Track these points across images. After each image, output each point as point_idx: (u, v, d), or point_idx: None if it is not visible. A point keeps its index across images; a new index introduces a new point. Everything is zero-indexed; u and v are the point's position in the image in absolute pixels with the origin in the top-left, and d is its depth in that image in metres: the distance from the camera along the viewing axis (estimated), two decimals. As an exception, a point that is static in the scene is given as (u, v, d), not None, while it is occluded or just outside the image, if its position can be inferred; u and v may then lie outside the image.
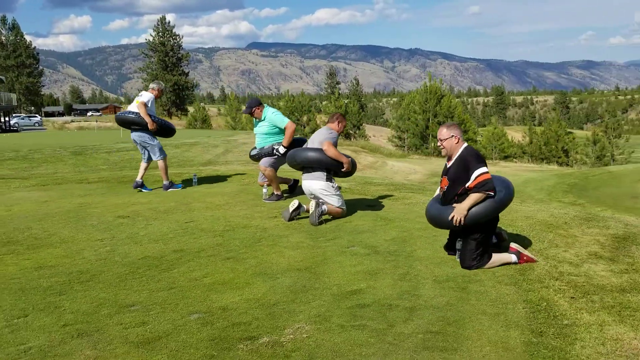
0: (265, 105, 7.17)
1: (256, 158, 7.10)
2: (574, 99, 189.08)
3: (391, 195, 7.14)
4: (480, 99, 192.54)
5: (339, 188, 6.02)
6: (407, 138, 33.30)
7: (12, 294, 3.84)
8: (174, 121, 55.00)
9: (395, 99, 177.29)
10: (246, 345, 2.97)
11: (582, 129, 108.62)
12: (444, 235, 4.87)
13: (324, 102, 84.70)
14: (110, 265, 4.44)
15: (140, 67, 75.66)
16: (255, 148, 7.23)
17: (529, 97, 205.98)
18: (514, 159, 37.08)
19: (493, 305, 3.43)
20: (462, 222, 3.95)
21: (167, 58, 70.16)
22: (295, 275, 4.07)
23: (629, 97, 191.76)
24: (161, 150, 8.05)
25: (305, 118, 37.27)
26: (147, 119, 7.71)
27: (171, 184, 8.08)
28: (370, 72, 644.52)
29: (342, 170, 5.84)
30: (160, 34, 70.49)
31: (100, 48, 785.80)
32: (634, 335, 2.95)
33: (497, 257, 4.19)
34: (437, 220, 4.21)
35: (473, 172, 4.01)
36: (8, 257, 4.75)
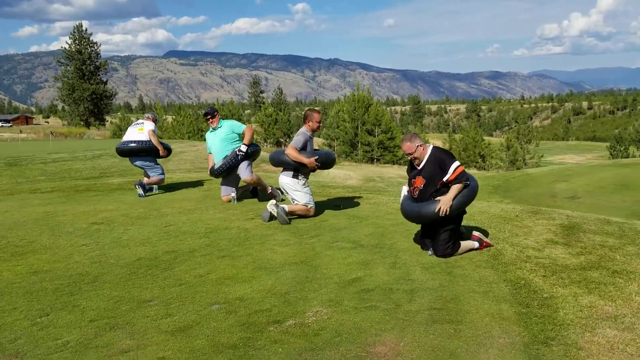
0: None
1: (223, 170, 7.21)
2: (483, 107, 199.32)
3: (354, 197, 7.58)
4: (398, 108, 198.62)
5: (308, 186, 6.32)
6: (337, 145, 34.12)
7: (22, 297, 3.91)
8: (93, 131, 53.07)
9: (317, 108, 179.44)
10: (275, 327, 3.27)
11: (491, 135, 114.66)
12: (416, 228, 5.36)
13: (246, 111, 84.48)
14: (108, 268, 4.56)
15: (55, 75, 72.39)
16: (214, 165, 7.34)
17: (442, 105, 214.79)
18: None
19: (479, 285, 3.92)
20: (448, 212, 4.43)
21: (84, 66, 67.57)
22: (294, 268, 4.39)
23: (533, 105, 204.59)
24: (162, 171, 8.42)
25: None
26: (160, 147, 8.17)
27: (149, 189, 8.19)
28: (292, 82, 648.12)
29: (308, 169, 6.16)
30: (77, 41, 67.82)
31: (8, 56, 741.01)
32: (604, 303, 3.51)
33: (464, 244, 4.70)
34: (420, 215, 4.61)
35: (450, 167, 4.48)
36: (-5, 264, 4.74)
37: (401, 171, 27.46)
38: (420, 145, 4.64)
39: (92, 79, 69.44)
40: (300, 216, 6.20)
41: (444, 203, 4.43)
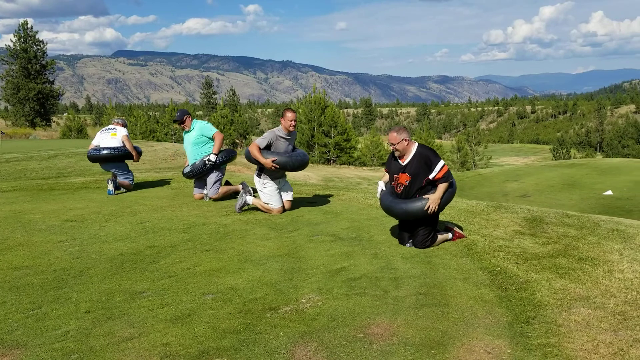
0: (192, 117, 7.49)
1: (190, 175, 7.27)
2: (432, 110, 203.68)
3: (324, 194, 7.74)
4: (351, 111, 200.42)
5: (271, 186, 6.37)
6: (293, 147, 34.34)
7: (8, 291, 3.88)
8: (39, 132, 51.29)
9: (270, 110, 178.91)
10: (272, 314, 3.39)
11: (441, 138, 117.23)
12: (390, 222, 5.58)
13: (199, 112, 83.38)
14: (91, 262, 4.56)
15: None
16: (188, 165, 7.39)
17: (393, 109, 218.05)
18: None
19: (458, 272, 4.14)
20: (436, 209, 4.63)
21: (30, 65, 65.20)
22: (280, 260, 4.51)
23: (479, 109, 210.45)
24: (132, 177, 8.47)
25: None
26: (134, 153, 8.18)
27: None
28: (244, 83, 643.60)
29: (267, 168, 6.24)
30: (22, 39, 65.40)
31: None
32: (575, 286, 3.79)
33: (440, 237, 4.93)
34: (407, 212, 4.70)
35: (435, 166, 4.65)
36: (-29, 261, 4.65)
37: (358, 172, 27.86)
38: (405, 140, 4.74)
39: (38, 78, 67.04)
40: (265, 212, 6.34)
41: (433, 201, 4.61)
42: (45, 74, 68.54)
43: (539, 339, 3.00)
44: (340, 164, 31.69)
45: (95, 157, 8.06)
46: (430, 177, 4.68)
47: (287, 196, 6.48)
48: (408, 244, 4.87)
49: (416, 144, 4.86)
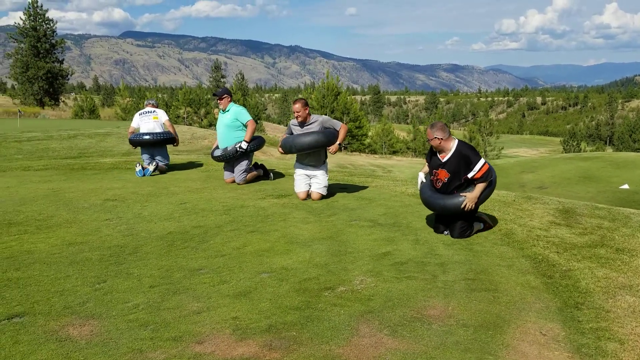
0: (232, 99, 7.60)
1: (221, 159, 7.42)
2: (442, 99, 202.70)
3: (353, 181, 7.87)
4: (358, 97, 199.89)
5: (297, 174, 6.55)
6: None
7: (69, 266, 4.04)
8: (47, 111, 51.51)
9: (277, 95, 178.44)
10: (329, 293, 3.54)
11: (449, 127, 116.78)
12: (424, 210, 5.70)
13: (206, 97, 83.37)
14: (142, 240, 4.72)
15: (8, 52, 69.62)
16: (217, 148, 7.54)
17: (402, 96, 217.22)
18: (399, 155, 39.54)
19: (501, 259, 4.28)
20: (472, 208, 4.73)
21: (40, 44, 65.32)
22: (325, 243, 4.65)
23: (489, 99, 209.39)
24: (169, 160, 8.84)
25: (202, 111, 36.98)
26: (177, 137, 8.60)
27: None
28: (252, 67, 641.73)
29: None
30: (32, 17, 65.44)
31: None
32: (617, 275, 3.92)
33: (475, 226, 5.05)
34: (445, 208, 4.80)
35: (475, 164, 4.70)
36: (25, 236, 4.83)
37: (370, 159, 27.96)
38: (438, 139, 4.76)
39: (48, 57, 67.17)
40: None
41: (470, 200, 4.69)
42: (55, 53, 68.57)
43: (590, 324, 3.14)
44: (352, 151, 31.78)
45: (142, 141, 8.21)
46: (469, 175, 4.72)
47: (315, 186, 6.45)
48: (445, 232, 4.99)
49: (456, 140, 4.87)
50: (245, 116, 7.41)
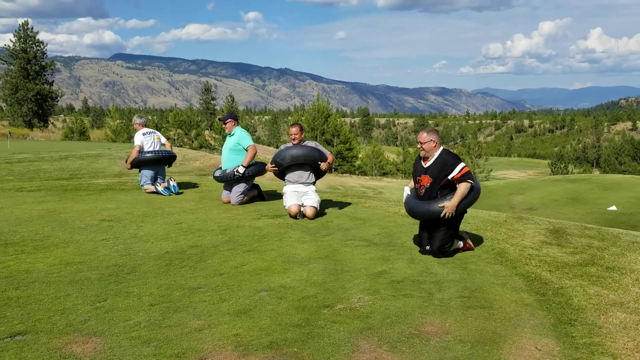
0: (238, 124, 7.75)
1: (220, 180, 7.59)
2: (430, 122, 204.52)
3: (346, 201, 7.95)
4: (348, 120, 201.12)
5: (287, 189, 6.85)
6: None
7: (69, 285, 4.07)
8: (36, 133, 51.35)
9: (267, 117, 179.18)
10: (328, 311, 3.60)
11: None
12: (417, 230, 5.77)
13: (195, 119, 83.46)
14: (140, 260, 4.75)
15: (-2, 74, 69.52)
16: (220, 168, 7.69)
17: (391, 119, 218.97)
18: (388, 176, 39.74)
19: (495, 278, 4.36)
20: (453, 214, 4.78)
21: (30, 66, 65.38)
22: (321, 262, 4.71)
23: (477, 121, 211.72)
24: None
25: (193, 133, 37.04)
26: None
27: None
28: (241, 90, 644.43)
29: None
30: (22, 39, 65.57)
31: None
32: (608, 292, 4.02)
33: (454, 243, 5.01)
34: (429, 212, 4.86)
35: (456, 167, 4.81)
36: (23, 256, 4.85)
37: (361, 181, 28.12)
38: (433, 141, 4.93)
39: (37, 79, 67.13)
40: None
41: (448, 208, 4.73)
42: (45, 75, 68.62)
43: (584, 339, 3.22)
44: (342, 173, 31.93)
45: (165, 158, 8.66)
46: (450, 177, 4.81)
47: (308, 202, 6.58)
48: (427, 247, 4.97)
49: (441, 148, 5.03)
50: (247, 141, 7.56)
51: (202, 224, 6.21)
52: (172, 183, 8.47)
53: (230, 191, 7.56)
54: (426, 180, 4.97)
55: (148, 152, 8.50)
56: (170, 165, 8.93)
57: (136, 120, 8.86)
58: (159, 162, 8.62)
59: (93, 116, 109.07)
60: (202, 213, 6.85)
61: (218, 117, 8.23)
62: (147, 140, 8.56)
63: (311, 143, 6.87)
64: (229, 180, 7.43)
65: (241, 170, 7.34)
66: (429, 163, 4.97)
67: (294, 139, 6.71)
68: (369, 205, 7.61)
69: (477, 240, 5.55)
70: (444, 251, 4.91)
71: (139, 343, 3.08)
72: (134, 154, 8.39)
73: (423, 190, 5.00)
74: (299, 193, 6.67)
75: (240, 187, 7.44)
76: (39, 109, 67.57)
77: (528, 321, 3.48)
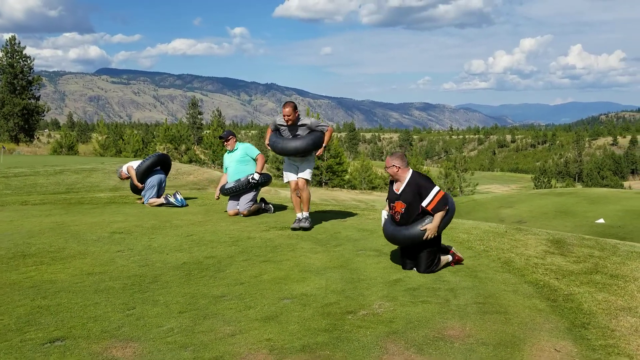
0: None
1: (233, 191, 7.70)
2: (415, 137, 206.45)
3: (349, 213, 8.12)
4: (334, 135, 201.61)
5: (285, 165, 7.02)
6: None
7: (95, 294, 4.17)
8: (22, 147, 51.00)
9: (254, 132, 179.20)
10: (352, 316, 3.74)
11: (422, 164, 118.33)
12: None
13: (187, 132, 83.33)
14: (160, 270, 4.86)
15: (-18, 89, 68.99)
16: (228, 182, 7.85)
17: (376, 134, 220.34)
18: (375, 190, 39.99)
19: (506, 285, 4.54)
20: (434, 235, 4.79)
21: (16, 80, 65.07)
22: (337, 271, 4.86)
23: (461, 136, 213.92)
24: None
25: (183, 147, 37.06)
26: None
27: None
28: (228, 104, 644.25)
29: None
30: (9, 54, 65.30)
31: None
32: (615, 298, 4.22)
33: (442, 259, 5.01)
34: (411, 238, 4.81)
35: (429, 193, 4.78)
36: (42, 267, 4.93)
37: (352, 195, 28.33)
38: (395, 167, 4.86)
39: (24, 94, 66.80)
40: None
41: (430, 231, 4.74)
42: (31, 90, 68.24)
43: (599, 341, 3.40)
44: (332, 187, 32.11)
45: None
46: (424, 204, 4.76)
47: (301, 174, 6.74)
48: (413, 268, 4.93)
49: (410, 171, 4.94)
50: (255, 151, 7.89)
51: (213, 235, 6.32)
52: (178, 197, 8.61)
53: (238, 201, 7.70)
54: (400, 206, 4.89)
55: (143, 160, 8.82)
56: (167, 172, 9.08)
57: (122, 169, 9.05)
58: (160, 165, 8.91)
59: (78, 131, 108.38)
60: (211, 225, 6.97)
61: (219, 135, 8.48)
62: (132, 162, 9.05)
63: (308, 122, 6.60)
64: (242, 190, 7.59)
65: (256, 177, 7.59)
66: (401, 188, 4.89)
67: (288, 120, 6.49)
68: (372, 217, 7.77)
69: (483, 249, 5.73)
70: (431, 270, 4.85)
71: (176, 347, 3.20)
72: (132, 173, 8.72)
73: (398, 217, 4.92)
74: (295, 166, 6.81)
75: (249, 196, 7.64)
76: (25, 123, 67.06)
77: (544, 325, 3.65)
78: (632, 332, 3.55)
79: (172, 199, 8.58)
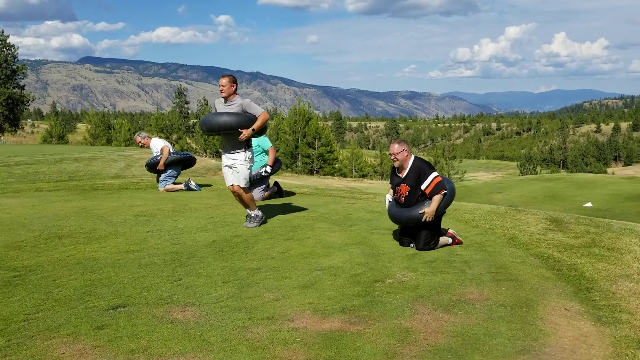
0: None
1: None
2: (401, 125, 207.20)
3: (355, 197, 8.51)
4: (320, 123, 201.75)
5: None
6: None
7: (139, 268, 4.52)
8: (8, 137, 50.76)
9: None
10: (380, 284, 4.14)
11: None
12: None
13: (167, 122, 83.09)
14: (193, 247, 5.21)
15: (-34, 79, 68.16)
16: None
17: (363, 122, 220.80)
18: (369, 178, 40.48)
19: (513, 257, 4.96)
20: (433, 218, 5.16)
21: (0, 70, 64.43)
22: (358, 247, 5.25)
23: (447, 125, 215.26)
24: None
25: (175, 136, 37.20)
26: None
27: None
28: (213, 93, 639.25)
29: None
30: (-7, 43, 64.57)
31: None
32: (613, 267, 4.66)
33: (441, 240, 5.39)
34: (411, 218, 5.18)
35: (428, 177, 5.17)
36: (80, 246, 5.26)
37: (344, 182, 28.74)
38: (405, 151, 5.20)
39: (8, 83, 66.18)
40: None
41: (428, 214, 5.11)
42: (16, 79, 67.55)
43: (602, 301, 3.84)
44: (324, 175, 32.51)
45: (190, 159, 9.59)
46: (422, 187, 5.13)
47: (232, 180, 6.08)
48: (411, 245, 5.32)
49: (413, 157, 5.36)
50: (268, 143, 8.18)
51: (233, 217, 6.68)
52: (192, 183, 8.96)
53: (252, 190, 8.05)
54: (405, 189, 5.27)
55: (179, 152, 9.24)
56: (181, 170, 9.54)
57: (142, 134, 9.33)
58: (185, 164, 9.37)
59: (62, 120, 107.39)
60: (228, 208, 7.32)
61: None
62: (169, 143, 9.21)
63: (241, 101, 6.00)
64: (253, 182, 7.91)
65: (269, 169, 7.89)
66: (405, 173, 5.23)
67: (221, 91, 5.93)
68: (379, 200, 8.17)
69: (488, 227, 6.15)
70: (428, 248, 5.20)
71: (230, 310, 3.57)
72: (166, 154, 8.91)
73: (403, 199, 5.25)
74: (230, 168, 6.08)
75: (261, 185, 7.96)
76: (10, 113, 66.39)
77: (552, 290, 4.08)
78: (630, 295, 3.98)
79: (192, 185, 8.95)
